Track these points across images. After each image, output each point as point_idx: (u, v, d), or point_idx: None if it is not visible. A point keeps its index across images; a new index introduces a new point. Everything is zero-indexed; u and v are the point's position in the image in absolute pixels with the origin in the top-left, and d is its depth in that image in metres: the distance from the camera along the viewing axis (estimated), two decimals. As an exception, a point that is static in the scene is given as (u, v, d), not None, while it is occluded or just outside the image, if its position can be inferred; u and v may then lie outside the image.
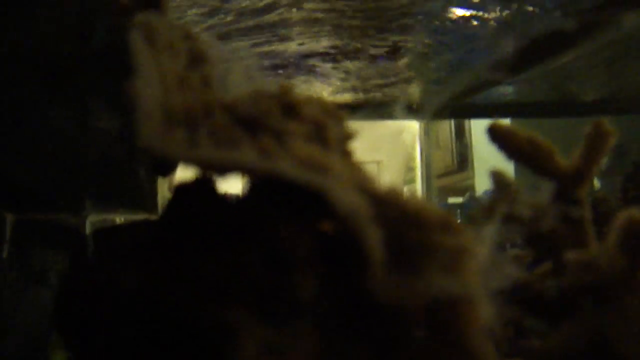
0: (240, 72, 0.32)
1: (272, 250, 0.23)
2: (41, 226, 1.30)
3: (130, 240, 0.25)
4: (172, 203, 0.27)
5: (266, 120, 0.26)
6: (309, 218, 0.24)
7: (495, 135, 0.39)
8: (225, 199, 0.27)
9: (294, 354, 0.21)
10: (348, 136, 0.29)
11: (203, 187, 0.27)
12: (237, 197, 0.26)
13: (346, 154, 0.27)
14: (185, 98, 0.25)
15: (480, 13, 1.07)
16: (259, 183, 0.26)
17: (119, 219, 1.67)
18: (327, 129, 0.27)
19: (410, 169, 2.60)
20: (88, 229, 1.48)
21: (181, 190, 0.27)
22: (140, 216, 1.52)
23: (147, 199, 1.25)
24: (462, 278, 0.24)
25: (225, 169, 0.24)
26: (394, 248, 0.23)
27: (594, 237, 0.38)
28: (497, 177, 0.39)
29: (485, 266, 0.27)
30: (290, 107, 0.27)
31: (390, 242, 0.23)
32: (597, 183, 2.64)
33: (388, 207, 0.24)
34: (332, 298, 0.23)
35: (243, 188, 0.28)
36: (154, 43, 0.27)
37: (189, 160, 0.23)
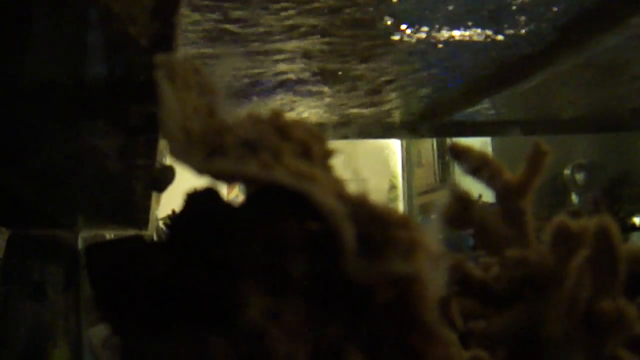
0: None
1: (270, 240, 0.30)
2: (37, 241, 1.34)
3: (162, 235, 0.32)
4: (187, 206, 0.34)
5: (263, 141, 0.33)
6: (298, 217, 0.31)
7: (455, 152, 0.47)
8: (229, 203, 0.34)
9: (286, 318, 0.29)
10: (329, 153, 0.36)
11: (211, 193, 0.34)
12: (240, 202, 0.34)
13: (327, 168, 0.35)
14: (200, 122, 0.33)
15: (459, 34, 1.13)
16: (258, 191, 0.33)
17: (109, 234, 1.71)
18: (312, 147, 0.34)
19: (392, 187, 2.68)
20: (80, 244, 1.52)
21: (193, 195, 0.34)
22: (131, 232, 1.57)
23: (140, 215, 1.29)
24: (416, 263, 0.31)
25: (233, 178, 0.31)
26: (363, 240, 0.30)
27: (535, 239, 0.45)
28: (453, 188, 0.46)
29: (440, 259, 0.34)
30: (281, 129, 0.35)
31: (360, 235, 0.30)
32: (574, 198, 2.73)
33: (359, 208, 0.31)
34: (316, 277, 0.30)
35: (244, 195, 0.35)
36: (173, 78, 0.34)
37: (206, 171, 0.30)
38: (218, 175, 0.31)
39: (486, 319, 0.44)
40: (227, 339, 0.29)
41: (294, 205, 0.31)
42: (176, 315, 0.30)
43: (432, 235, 0.33)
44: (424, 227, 0.33)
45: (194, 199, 0.34)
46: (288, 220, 0.31)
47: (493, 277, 0.43)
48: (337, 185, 0.32)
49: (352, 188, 0.34)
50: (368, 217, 0.31)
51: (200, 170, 0.31)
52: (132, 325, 0.32)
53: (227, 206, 0.33)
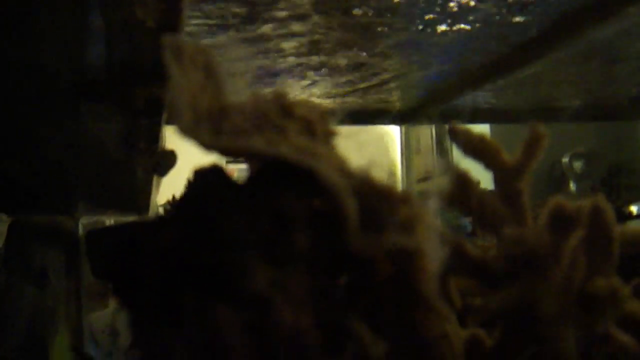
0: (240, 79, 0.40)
1: (275, 214, 0.31)
2: (38, 227, 1.34)
3: (170, 211, 0.34)
4: (194, 182, 0.35)
5: (268, 119, 0.34)
6: (302, 192, 0.32)
7: (454, 135, 0.48)
8: (234, 180, 0.35)
9: (291, 288, 0.30)
10: (332, 132, 0.37)
11: (218, 169, 0.35)
12: (245, 177, 0.35)
13: (330, 146, 0.36)
14: (206, 101, 0.34)
15: (456, 21, 1.13)
16: (263, 167, 0.34)
17: (109, 220, 1.72)
18: (315, 125, 0.35)
19: (391, 173, 2.69)
20: (81, 230, 1.52)
21: (200, 172, 0.36)
22: (131, 218, 1.57)
23: (140, 201, 1.30)
24: (416, 238, 0.32)
25: (240, 154, 0.32)
26: (366, 213, 0.32)
27: (532, 220, 0.46)
28: (453, 170, 0.47)
29: (439, 235, 0.35)
30: (285, 108, 0.36)
31: (363, 209, 0.31)
32: (572, 186, 2.75)
33: (362, 183, 0.33)
34: (320, 249, 0.32)
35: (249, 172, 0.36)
36: (180, 59, 0.35)
37: (214, 147, 0.32)
38: (225, 152, 0.32)
39: (483, 297, 0.45)
40: (235, 309, 0.30)
41: (298, 181, 0.32)
42: (184, 287, 0.31)
43: (431, 212, 0.35)
44: (425, 204, 0.35)
45: (200, 175, 0.35)
46: (292, 195, 0.32)
47: (490, 256, 0.44)
48: (340, 162, 0.34)
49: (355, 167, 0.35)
50: (370, 192, 0.32)
51: (208, 146, 0.32)
52: (140, 301, 0.34)
53: (233, 182, 0.35)
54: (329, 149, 0.35)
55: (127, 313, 0.35)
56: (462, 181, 0.47)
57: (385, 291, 0.33)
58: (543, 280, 0.42)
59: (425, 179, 2.75)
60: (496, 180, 0.48)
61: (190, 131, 0.31)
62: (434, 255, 0.33)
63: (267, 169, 0.34)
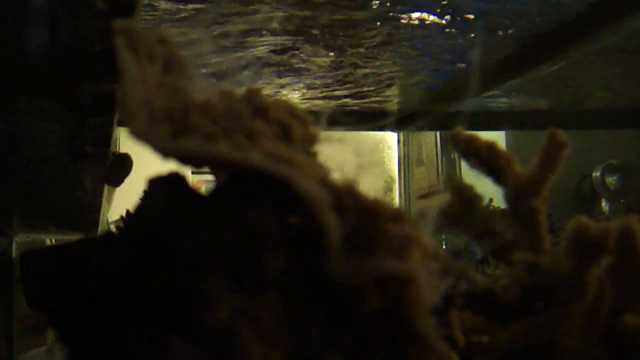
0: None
1: (243, 232, 0.32)
2: None
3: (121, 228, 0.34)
4: (148, 193, 0.36)
5: (236, 121, 0.35)
6: (275, 207, 0.33)
7: (457, 142, 0.48)
8: (197, 190, 0.36)
9: (260, 319, 0.31)
10: (313, 138, 0.38)
11: (176, 179, 0.36)
12: (210, 189, 0.35)
13: (310, 153, 0.37)
14: (165, 98, 0.34)
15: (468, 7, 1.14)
16: (231, 177, 0.35)
17: (50, 240, 1.71)
18: (292, 130, 0.36)
19: (387, 189, 2.68)
20: (15, 251, 1.51)
21: (155, 181, 0.36)
22: (75, 236, 1.56)
23: (88, 216, 1.29)
24: (409, 262, 0.33)
25: (204, 161, 0.33)
26: (350, 233, 0.32)
27: (549, 244, 0.47)
28: (454, 183, 0.48)
29: (437, 260, 0.35)
30: (258, 109, 0.36)
31: (346, 228, 0.32)
32: (605, 205, 2.75)
33: (346, 198, 0.33)
34: (295, 275, 0.32)
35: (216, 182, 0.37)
36: (135, 48, 0.36)
37: (173, 152, 0.32)
38: (185, 158, 0.33)
39: (491, 335, 0.46)
40: (192, 342, 0.30)
41: (270, 194, 0.32)
42: (135, 318, 0.31)
43: (429, 233, 0.35)
44: (420, 223, 0.35)
45: (156, 185, 0.36)
46: (263, 210, 0.32)
47: (501, 286, 0.45)
48: (321, 172, 0.34)
49: (339, 178, 0.35)
50: (355, 208, 0.33)
51: (165, 151, 0.32)
52: (83, 335, 0.34)
53: (194, 194, 0.35)
54: (309, 157, 0.36)
55: (67, 350, 0.35)
56: (466, 197, 0.48)
57: (372, 326, 0.33)
58: (563, 316, 0.42)
59: (428, 194, 2.75)
60: (507, 197, 0.48)
61: (144, 134, 0.32)
62: (431, 284, 0.33)
63: (235, 179, 0.34)
